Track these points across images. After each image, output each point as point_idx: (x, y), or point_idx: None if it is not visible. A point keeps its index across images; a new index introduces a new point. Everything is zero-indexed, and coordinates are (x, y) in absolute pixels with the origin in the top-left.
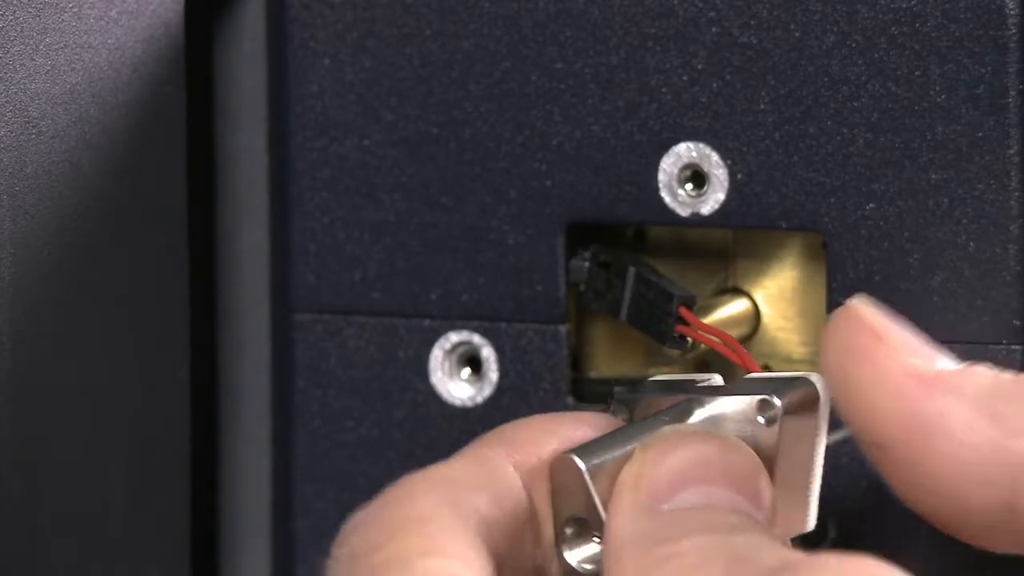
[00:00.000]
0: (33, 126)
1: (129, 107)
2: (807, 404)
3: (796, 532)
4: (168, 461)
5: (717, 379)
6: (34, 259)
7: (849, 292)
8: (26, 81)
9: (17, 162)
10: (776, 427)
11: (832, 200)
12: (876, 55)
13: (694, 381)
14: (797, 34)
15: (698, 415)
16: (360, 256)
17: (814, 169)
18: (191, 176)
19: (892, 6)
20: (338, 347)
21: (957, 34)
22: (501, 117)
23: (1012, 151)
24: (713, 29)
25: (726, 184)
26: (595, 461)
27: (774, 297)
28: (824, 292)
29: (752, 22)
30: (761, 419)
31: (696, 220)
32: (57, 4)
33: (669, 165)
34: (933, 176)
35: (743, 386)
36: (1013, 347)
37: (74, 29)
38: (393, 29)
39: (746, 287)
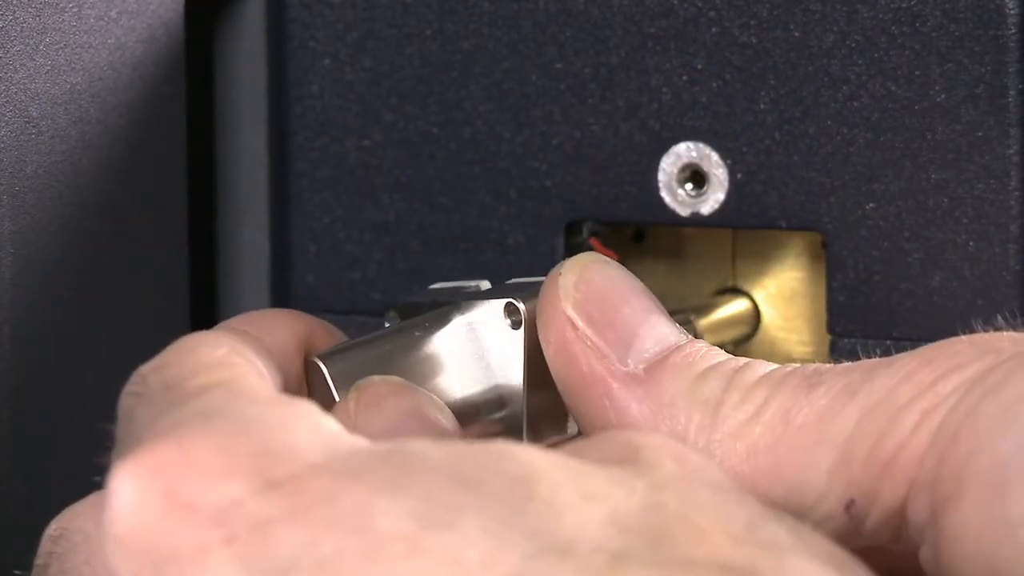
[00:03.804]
0: (33, 126)
1: (129, 107)
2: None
3: (557, 436)
4: None
5: (485, 284)
6: (34, 259)
7: (849, 292)
8: (26, 81)
9: (17, 162)
10: (521, 331)
11: (832, 200)
12: (876, 55)
13: (464, 287)
14: (797, 34)
15: (456, 320)
16: (360, 256)
17: (814, 169)
18: (191, 176)
19: (892, 6)
20: None
21: (957, 34)
22: (501, 117)
23: (1012, 151)
24: (713, 29)
25: (726, 184)
26: (339, 366)
27: (774, 297)
28: (824, 292)
29: (752, 22)
30: (508, 322)
31: (696, 220)
32: (57, 4)
33: (669, 165)
34: (933, 176)
35: (500, 291)
36: None
37: (74, 29)
38: (393, 29)
39: (746, 287)
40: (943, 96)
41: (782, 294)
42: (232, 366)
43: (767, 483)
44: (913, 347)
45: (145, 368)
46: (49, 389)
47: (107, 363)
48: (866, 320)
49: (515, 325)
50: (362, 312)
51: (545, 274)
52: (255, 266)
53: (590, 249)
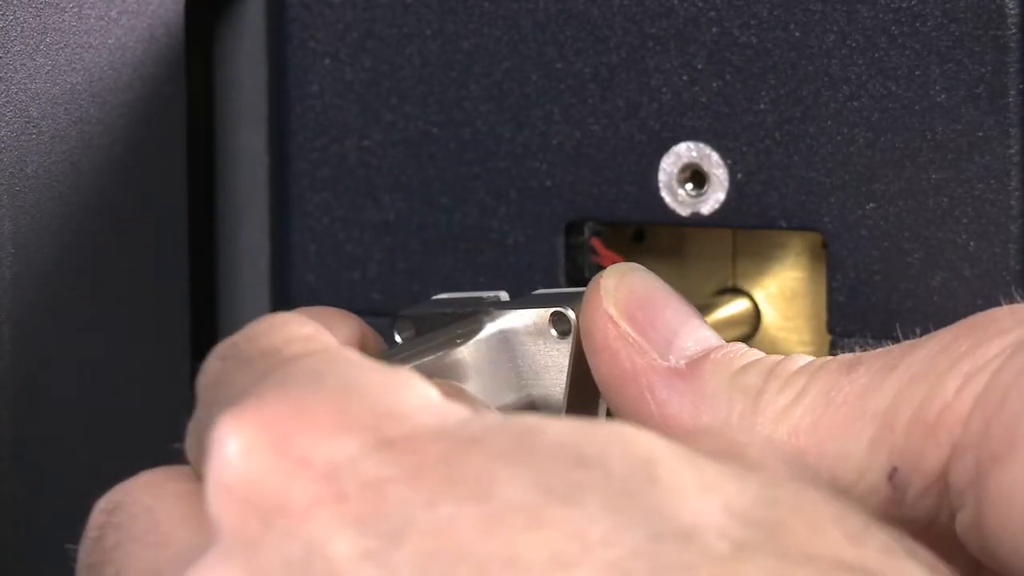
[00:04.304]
0: (33, 126)
1: (129, 107)
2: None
3: None
4: (168, 461)
5: (503, 295)
6: (34, 259)
7: (849, 292)
8: (26, 81)
9: (17, 162)
10: (569, 340)
11: (832, 200)
12: (876, 55)
13: (481, 298)
14: (797, 34)
15: (489, 328)
16: (360, 256)
17: (814, 169)
18: (191, 176)
19: (892, 6)
20: None
21: (957, 34)
22: (501, 117)
23: (1012, 151)
24: (713, 29)
25: (726, 184)
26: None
27: (774, 297)
28: (824, 292)
29: (752, 22)
30: (554, 331)
31: (696, 220)
32: (57, 4)
33: (669, 165)
34: (933, 176)
35: (533, 301)
36: None
37: (74, 29)
38: (393, 29)
39: (746, 287)
40: (943, 96)
41: (782, 294)
42: (325, 339)
43: (810, 463)
44: None
45: (235, 337)
46: (49, 389)
47: (107, 363)
48: (866, 320)
49: (563, 334)
50: (362, 312)
51: (547, 274)
52: (255, 266)
53: (592, 249)
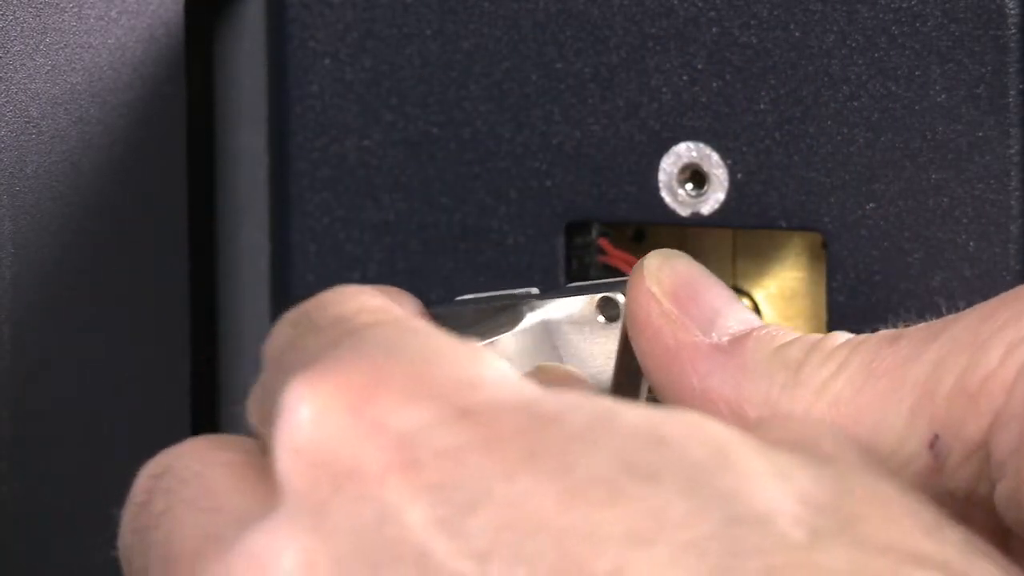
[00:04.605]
0: (33, 126)
1: (129, 107)
2: None
3: None
4: None
5: (534, 290)
6: (34, 259)
7: (849, 292)
8: (26, 81)
9: (17, 162)
10: (618, 324)
11: (832, 200)
12: (876, 55)
13: (512, 295)
14: (797, 34)
15: (530, 318)
16: (360, 256)
17: (814, 169)
18: (191, 176)
19: (892, 6)
20: None
21: (957, 34)
22: (501, 117)
23: (1012, 151)
24: (713, 29)
25: (726, 184)
26: None
27: (774, 297)
28: (824, 292)
29: (752, 22)
30: (602, 318)
31: (696, 220)
32: (57, 4)
33: (669, 165)
34: (933, 176)
35: (571, 292)
36: None
37: (74, 29)
38: (393, 29)
39: (746, 287)
40: (943, 96)
41: (782, 294)
42: (395, 310)
43: (850, 433)
44: None
45: (305, 304)
46: (49, 389)
47: (107, 363)
48: (866, 320)
49: (610, 319)
50: None
51: (547, 274)
52: (255, 266)
53: (599, 249)
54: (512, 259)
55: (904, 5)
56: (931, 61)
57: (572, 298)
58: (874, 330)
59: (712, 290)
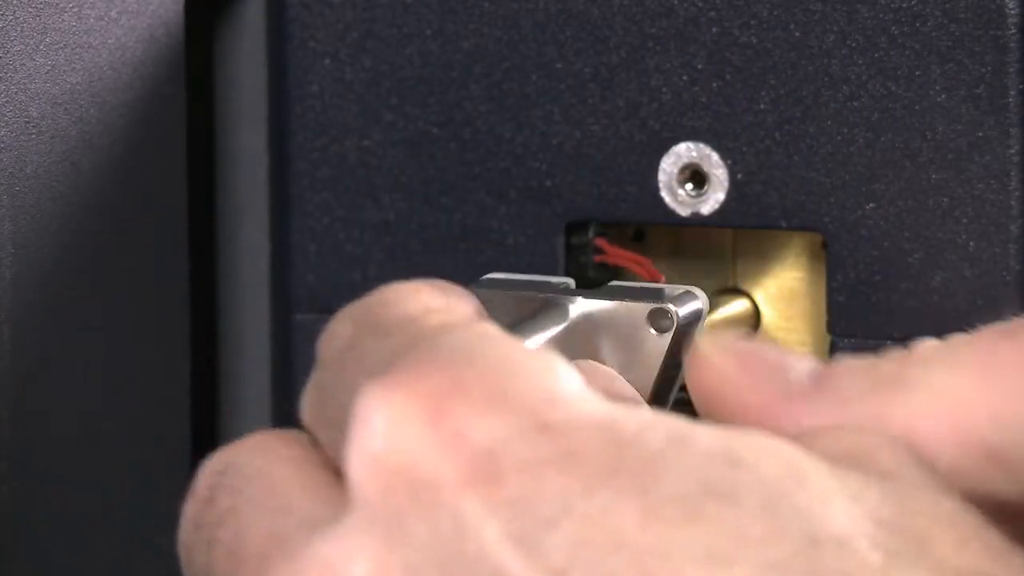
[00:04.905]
0: (33, 126)
1: (129, 107)
2: (692, 319)
3: None
4: (168, 461)
5: (571, 282)
6: (34, 259)
7: (849, 292)
8: (26, 81)
9: (17, 162)
10: (668, 337)
11: (832, 200)
12: (876, 55)
13: (548, 283)
14: (797, 34)
15: (576, 317)
16: (360, 256)
17: (814, 169)
18: (191, 176)
19: (892, 6)
20: None
21: (957, 34)
22: (501, 117)
23: (1012, 151)
24: (713, 29)
25: (726, 184)
26: None
27: (774, 297)
28: (824, 292)
29: (752, 22)
30: (652, 328)
31: (696, 220)
32: (57, 4)
33: (669, 165)
34: (933, 176)
35: (613, 292)
36: None
37: (74, 29)
38: (393, 29)
39: (746, 287)
40: (943, 96)
41: (782, 294)
42: (461, 310)
43: (975, 436)
44: None
45: (365, 301)
46: (49, 389)
47: (107, 363)
48: (866, 320)
49: (662, 331)
50: None
51: (547, 274)
52: (255, 266)
53: (596, 249)
54: (512, 259)
55: (904, 5)
56: (931, 61)
57: (622, 303)
58: (873, 330)
59: (766, 346)
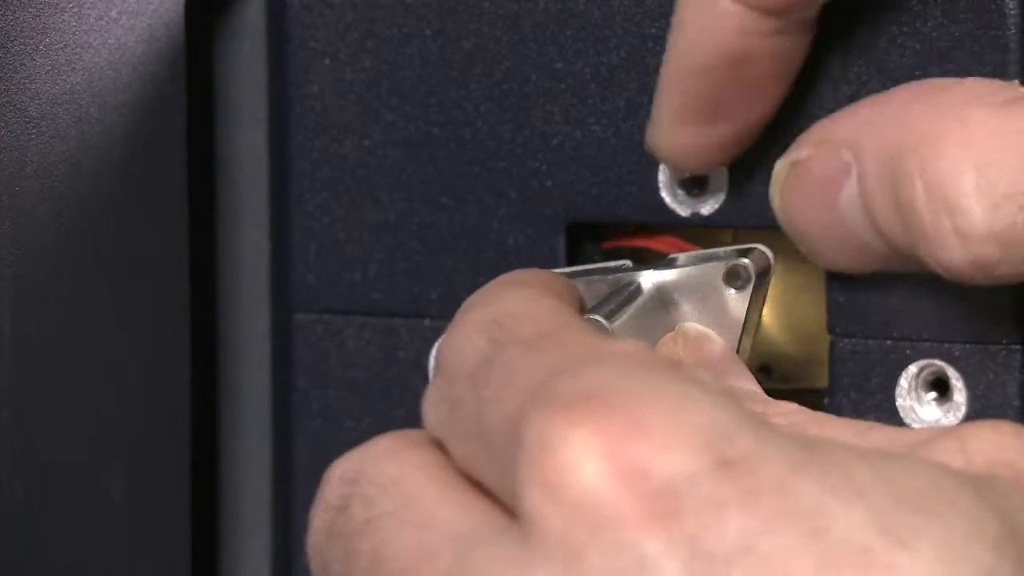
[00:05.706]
0: (33, 126)
1: (129, 107)
2: (763, 273)
3: None
4: (168, 461)
5: (627, 263)
6: (34, 259)
7: (849, 292)
8: (26, 81)
9: (17, 162)
10: (747, 293)
11: None
12: (876, 55)
13: (605, 267)
14: None
15: (649, 289)
16: (360, 256)
17: None
18: (191, 176)
19: (892, 6)
20: (338, 347)
21: (957, 34)
22: (501, 117)
23: None
24: None
25: (726, 184)
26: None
27: (774, 297)
28: (824, 292)
29: None
30: (730, 288)
31: (696, 220)
32: (57, 4)
33: None
34: None
35: (680, 261)
36: (1013, 347)
37: (74, 29)
38: (393, 29)
39: None
40: None
41: (782, 294)
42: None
43: None
44: (913, 347)
45: (486, 310)
46: (49, 389)
47: (107, 363)
48: (866, 320)
49: (740, 288)
50: (362, 312)
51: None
52: (255, 266)
53: (601, 253)
54: (512, 259)
55: (904, 5)
56: (931, 61)
57: (695, 268)
58: (874, 330)
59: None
